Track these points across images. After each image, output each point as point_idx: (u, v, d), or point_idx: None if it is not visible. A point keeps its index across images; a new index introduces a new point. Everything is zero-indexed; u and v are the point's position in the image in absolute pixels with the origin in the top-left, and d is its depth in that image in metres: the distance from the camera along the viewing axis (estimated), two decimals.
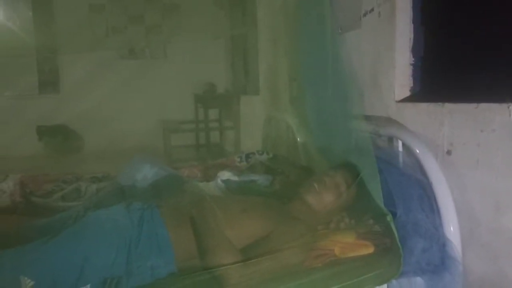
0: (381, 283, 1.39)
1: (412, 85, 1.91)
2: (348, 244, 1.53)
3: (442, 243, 1.43)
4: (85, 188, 2.17)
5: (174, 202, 1.66)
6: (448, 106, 1.58)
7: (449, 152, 1.58)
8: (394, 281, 1.40)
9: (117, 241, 1.43)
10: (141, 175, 1.93)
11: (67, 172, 2.45)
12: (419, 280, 1.41)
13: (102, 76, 5.20)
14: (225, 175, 2.10)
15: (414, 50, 1.90)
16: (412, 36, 1.89)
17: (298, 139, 2.54)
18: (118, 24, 5.65)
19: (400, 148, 1.72)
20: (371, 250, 1.51)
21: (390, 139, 1.82)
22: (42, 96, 5.43)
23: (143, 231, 1.46)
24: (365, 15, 2.11)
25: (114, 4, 5.60)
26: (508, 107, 1.31)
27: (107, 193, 1.92)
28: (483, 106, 1.41)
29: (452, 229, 1.44)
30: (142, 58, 5.90)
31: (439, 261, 1.41)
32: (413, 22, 1.88)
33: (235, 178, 2.08)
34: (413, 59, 1.90)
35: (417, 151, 1.59)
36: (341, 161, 1.80)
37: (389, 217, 1.46)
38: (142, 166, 1.96)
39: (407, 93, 1.91)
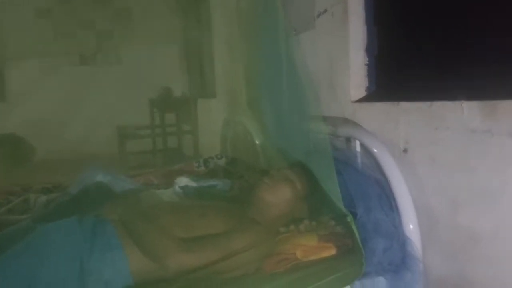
0: (344, 285, 1.38)
1: (367, 85, 1.92)
2: (310, 247, 1.51)
3: (402, 242, 1.43)
4: (34, 199, 2.07)
5: (127, 210, 1.59)
6: (403, 105, 1.59)
7: (405, 151, 1.59)
8: (357, 282, 1.39)
9: (68, 255, 1.36)
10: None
11: (15, 184, 2.33)
12: (381, 280, 1.41)
13: (52, 83, 5.04)
14: (183, 181, 2.04)
15: (368, 50, 1.91)
16: (365, 36, 1.90)
17: (257, 141, 2.52)
18: (66, 29, 5.47)
19: (358, 148, 1.72)
20: (333, 251, 1.50)
21: (348, 140, 1.82)
22: None
23: (95, 244, 1.39)
24: (318, 16, 2.11)
25: (62, 9, 5.42)
26: (461, 105, 1.32)
27: (57, 205, 1.82)
28: (437, 104, 1.43)
29: (411, 227, 1.45)
30: (94, 64, 5.75)
31: (400, 260, 1.42)
32: (366, 23, 1.89)
33: (193, 184, 2.03)
34: (368, 59, 1.91)
35: (375, 150, 1.60)
36: (293, 161, 1.80)
37: (349, 218, 1.46)
38: (95, 176, 1.87)
39: (362, 93, 1.91)
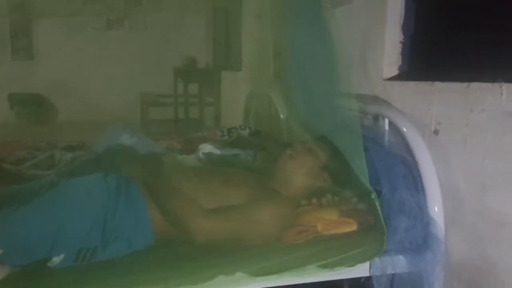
0: (364, 261, 1.37)
1: (400, 63, 1.88)
2: (331, 221, 1.50)
3: (425, 223, 1.41)
4: (59, 156, 2.09)
5: (151, 172, 1.60)
6: (438, 85, 1.55)
7: (436, 132, 1.56)
8: (376, 259, 1.38)
9: (92, 210, 1.38)
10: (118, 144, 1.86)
11: (41, 140, 2.36)
12: (401, 258, 1.40)
13: (78, 44, 5.04)
14: (207, 148, 2.04)
15: (404, 28, 1.86)
16: (403, 13, 1.85)
17: (281, 115, 2.50)
18: None
19: (386, 127, 1.69)
20: (354, 227, 1.49)
21: (376, 118, 1.79)
22: (14, 63, 5.24)
23: (120, 202, 1.41)
24: None
25: None
26: (500, 87, 1.29)
27: (82, 162, 1.84)
28: (474, 85, 1.39)
29: (436, 209, 1.43)
30: (120, 29, 5.74)
31: (422, 240, 1.40)
32: None
33: (217, 151, 2.03)
34: (403, 37, 1.87)
35: (404, 129, 1.57)
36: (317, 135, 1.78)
37: (373, 195, 1.45)
38: (119, 135, 1.88)
39: (395, 71, 1.88)
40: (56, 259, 1.27)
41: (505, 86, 1.28)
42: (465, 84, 1.42)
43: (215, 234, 1.36)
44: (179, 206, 1.40)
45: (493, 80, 1.32)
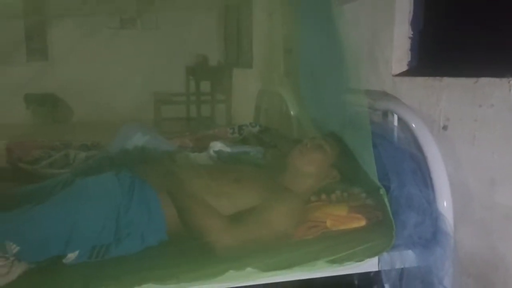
0: (373, 256, 1.39)
1: (409, 59, 1.88)
2: (340, 217, 1.52)
3: (434, 218, 1.42)
4: (74, 155, 2.13)
5: (164, 170, 1.63)
6: (447, 80, 1.56)
7: (445, 127, 1.56)
8: (385, 254, 1.39)
9: (106, 208, 1.41)
10: (132, 144, 1.90)
11: (56, 139, 2.41)
12: (410, 253, 1.41)
13: (92, 45, 5.09)
14: (218, 145, 2.07)
15: (413, 23, 1.86)
16: (411, 8, 1.85)
17: (292, 112, 2.51)
18: None
19: (395, 123, 1.70)
20: (363, 223, 1.51)
21: (385, 114, 1.80)
22: (30, 64, 5.32)
23: (133, 199, 1.44)
24: None
25: None
26: (509, 82, 1.29)
27: (96, 160, 1.88)
28: (483, 80, 1.39)
29: (445, 204, 1.43)
30: (133, 28, 5.78)
31: (431, 235, 1.41)
32: None
33: (227, 149, 2.05)
34: (412, 33, 1.87)
35: (413, 125, 1.57)
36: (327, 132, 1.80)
37: (382, 191, 1.45)
38: (133, 134, 1.92)
39: (404, 67, 1.88)
40: (71, 256, 1.30)
41: None
42: (473, 80, 1.42)
43: (235, 248, 1.36)
44: (202, 221, 1.40)
45: (502, 75, 1.32)
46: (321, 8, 1.96)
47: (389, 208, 1.42)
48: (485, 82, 1.39)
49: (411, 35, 1.87)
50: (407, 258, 1.41)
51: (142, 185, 1.48)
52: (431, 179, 1.47)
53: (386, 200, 1.43)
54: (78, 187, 1.49)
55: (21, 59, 5.32)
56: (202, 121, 5.33)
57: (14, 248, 1.25)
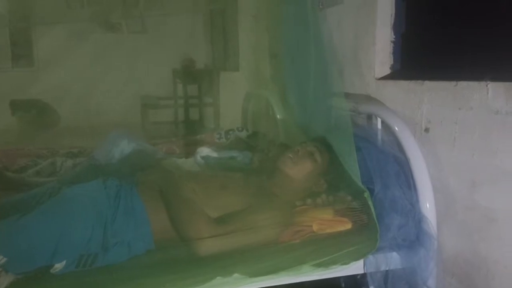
0: (358, 258, 1.40)
1: (392, 62, 1.91)
2: (326, 221, 1.54)
3: (418, 220, 1.44)
4: (60, 163, 2.13)
5: (150, 177, 1.64)
6: (428, 84, 1.58)
7: (427, 130, 1.59)
8: (370, 256, 1.41)
9: (93, 217, 1.41)
10: (118, 151, 1.90)
11: (42, 147, 2.40)
12: (394, 255, 1.43)
13: (78, 49, 5.06)
14: (204, 151, 2.08)
15: (395, 27, 1.88)
16: (393, 12, 1.88)
17: (278, 116, 2.52)
18: None
19: (379, 126, 1.72)
20: (348, 226, 1.53)
21: (369, 117, 1.82)
22: (15, 70, 5.27)
23: (120, 207, 1.45)
24: None
25: None
26: (487, 85, 1.31)
27: (83, 168, 1.88)
28: (462, 84, 1.42)
29: (428, 206, 1.46)
30: (119, 32, 5.75)
31: (414, 237, 1.43)
32: None
33: (214, 154, 2.06)
34: (394, 36, 1.89)
35: (396, 128, 1.60)
36: (315, 136, 1.81)
37: (366, 194, 1.48)
38: (119, 142, 1.92)
39: (387, 70, 1.90)
40: (58, 266, 1.30)
41: (490, 84, 1.31)
42: (453, 83, 1.45)
43: (221, 250, 1.37)
44: (187, 222, 1.42)
45: (480, 78, 1.35)
46: (302, 12, 1.98)
47: (373, 211, 1.45)
48: (464, 85, 1.41)
49: (394, 39, 1.90)
50: (391, 260, 1.43)
51: (128, 193, 1.49)
52: (414, 181, 1.50)
53: (370, 203, 1.46)
54: (65, 196, 1.49)
55: (6, 65, 5.27)
56: (190, 124, 5.32)
57: (1, 259, 1.26)
